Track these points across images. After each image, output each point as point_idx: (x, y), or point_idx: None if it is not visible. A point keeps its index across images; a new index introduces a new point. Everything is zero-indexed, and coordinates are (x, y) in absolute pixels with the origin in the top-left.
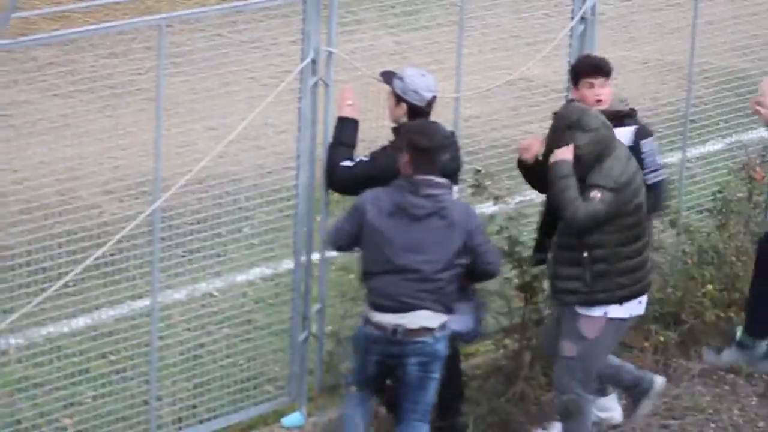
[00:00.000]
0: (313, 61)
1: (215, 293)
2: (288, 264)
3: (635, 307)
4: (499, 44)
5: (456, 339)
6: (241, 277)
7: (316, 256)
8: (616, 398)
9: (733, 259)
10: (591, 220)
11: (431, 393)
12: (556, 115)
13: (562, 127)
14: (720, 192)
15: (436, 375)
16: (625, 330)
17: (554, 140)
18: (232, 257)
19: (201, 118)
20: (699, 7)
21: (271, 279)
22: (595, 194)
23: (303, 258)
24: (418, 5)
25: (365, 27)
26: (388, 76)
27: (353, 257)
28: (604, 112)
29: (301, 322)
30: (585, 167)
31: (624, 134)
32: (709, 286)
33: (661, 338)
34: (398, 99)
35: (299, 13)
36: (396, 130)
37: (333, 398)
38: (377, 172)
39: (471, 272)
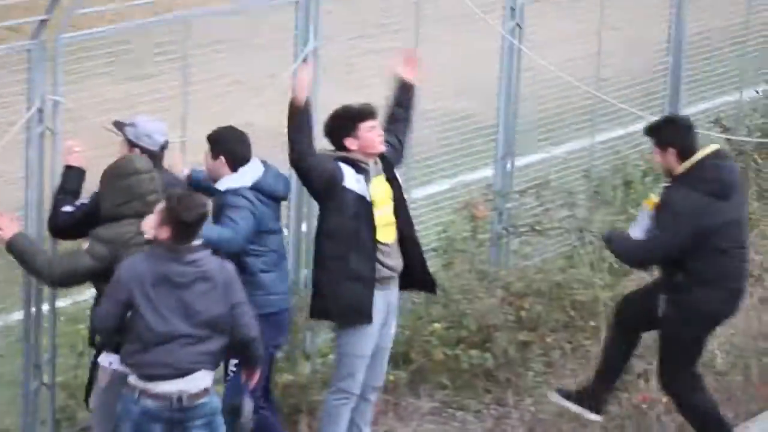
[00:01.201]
0: (40, 110)
1: None
2: (18, 315)
3: None
4: (223, 91)
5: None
6: None
7: (45, 307)
8: None
9: (459, 297)
10: None
11: None
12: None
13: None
14: (444, 231)
15: (221, 429)
16: None
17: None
18: None
19: None
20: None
21: (1, 330)
22: None
23: (33, 308)
24: (144, 55)
25: (92, 76)
26: (119, 125)
27: (81, 307)
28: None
29: (32, 371)
30: None
31: None
32: (437, 325)
33: (391, 377)
34: (131, 145)
35: (24, 62)
36: None
37: None
38: (94, 211)
39: (232, 340)
